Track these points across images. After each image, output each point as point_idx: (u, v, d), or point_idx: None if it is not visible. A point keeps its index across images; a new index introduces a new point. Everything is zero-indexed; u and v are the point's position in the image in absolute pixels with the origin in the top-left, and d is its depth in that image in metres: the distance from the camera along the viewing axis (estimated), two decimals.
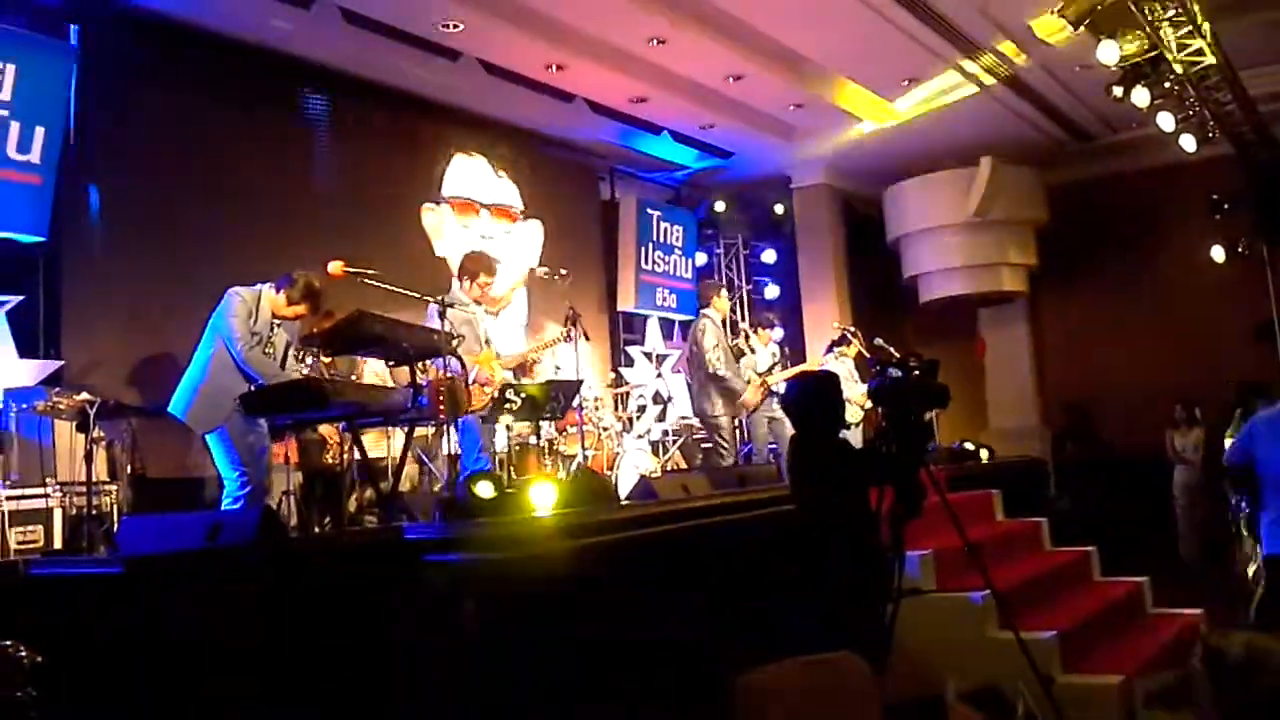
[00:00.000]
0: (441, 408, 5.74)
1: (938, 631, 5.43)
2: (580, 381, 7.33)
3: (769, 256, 13.11)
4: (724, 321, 8.48)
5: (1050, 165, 12.59)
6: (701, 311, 8.62)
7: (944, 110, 10.72)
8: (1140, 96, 8.57)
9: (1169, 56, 8.13)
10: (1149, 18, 7.66)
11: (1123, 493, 10.59)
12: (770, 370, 9.11)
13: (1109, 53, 7.82)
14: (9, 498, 5.62)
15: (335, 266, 5.67)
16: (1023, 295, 13.10)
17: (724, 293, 8.98)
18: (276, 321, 5.68)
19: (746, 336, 9.28)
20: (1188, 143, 9.68)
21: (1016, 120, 11.35)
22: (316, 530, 6.32)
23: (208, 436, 5.52)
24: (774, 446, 8.81)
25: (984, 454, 9.40)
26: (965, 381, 12.98)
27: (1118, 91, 8.48)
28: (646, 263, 11.77)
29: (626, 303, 11.68)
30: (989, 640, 5.52)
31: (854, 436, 9.48)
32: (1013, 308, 13.54)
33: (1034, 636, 5.28)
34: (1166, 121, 9.20)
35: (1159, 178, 11.97)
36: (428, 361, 5.78)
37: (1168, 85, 8.72)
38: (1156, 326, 12.13)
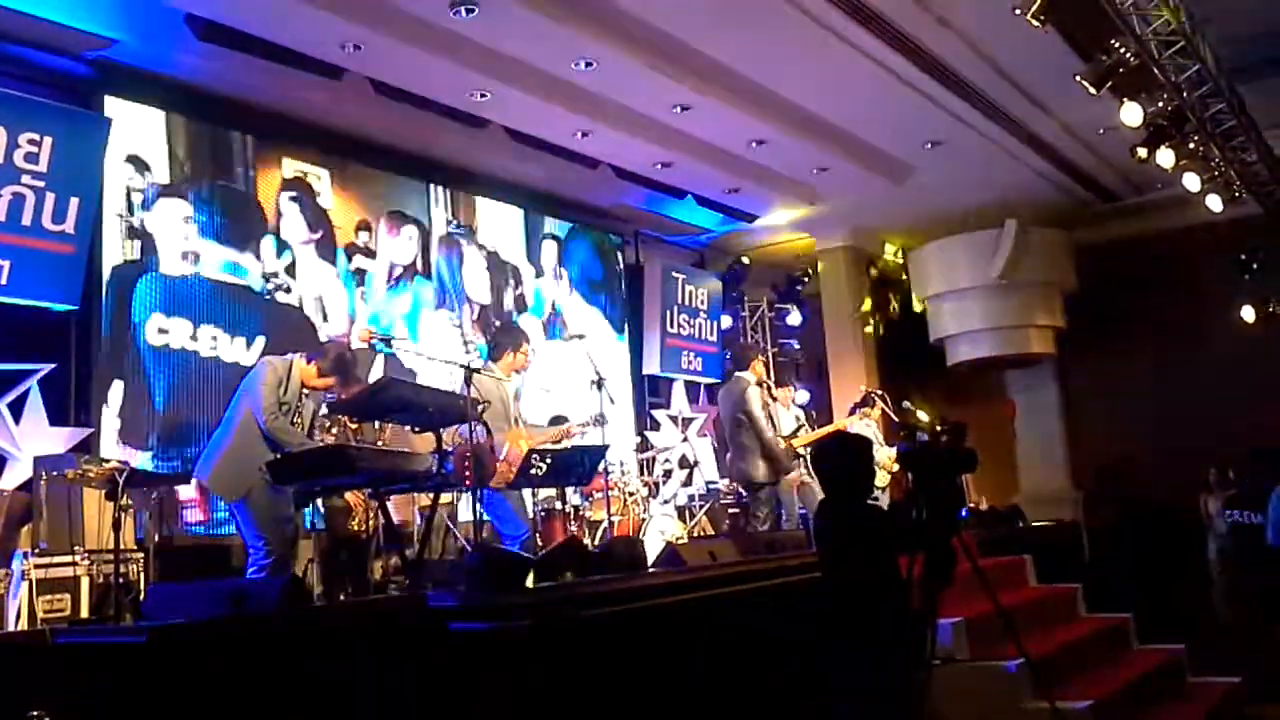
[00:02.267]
0: (468, 474, 5.73)
1: (971, 701, 5.34)
2: (606, 447, 7.29)
3: (794, 319, 13.11)
4: (759, 384, 8.33)
5: (1077, 226, 12.57)
6: (738, 375, 8.42)
7: (969, 173, 10.74)
8: (1165, 158, 8.55)
9: (1192, 117, 8.14)
10: (1172, 80, 7.67)
11: (1158, 556, 10.41)
12: (795, 433, 9.04)
13: (1132, 115, 7.82)
14: (37, 566, 5.63)
15: (363, 333, 5.72)
16: (1051, 357, 13.00)
17: (760, 356, 8.79)
18: (306, 391, 5.72)
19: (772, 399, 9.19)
20: (1214, 203, 9.64)
21: (1041, 181, 11.36)
22: (341, 598, 6.29)
23: (232, 504, 5.54)
24: (803, 512, 8.71)
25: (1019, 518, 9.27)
26: (995, 444, 12.86)
27: (1142, 153, 8.46)
28: (672, 326, 11.79)
29: (652, 366, 11.68)
30: (1023, 710, 5.42)
31: (880, 501, 9.39)
32: (1042, 369, 13.43)
33: (1068, 706, 5.19)
34: (1192, 182, 9.17)
35: (1187, 238, 11.88)
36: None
37: (1193, 146, 8.71)
38: (1188, 387, 11.97)
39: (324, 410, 6.20)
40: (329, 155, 8.87)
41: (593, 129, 9.04)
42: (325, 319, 8.41)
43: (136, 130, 7.59)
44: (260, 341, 7.82)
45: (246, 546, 5.61)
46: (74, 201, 6.85)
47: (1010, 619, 4.89)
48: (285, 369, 5.66)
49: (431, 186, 9.78)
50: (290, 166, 8.58)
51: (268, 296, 8.12)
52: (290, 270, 8.36)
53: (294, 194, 8.54)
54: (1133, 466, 11.97)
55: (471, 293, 9.93)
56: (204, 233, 7.85)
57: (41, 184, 6.70)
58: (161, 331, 7.50)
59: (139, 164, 7.58)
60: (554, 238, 11.10)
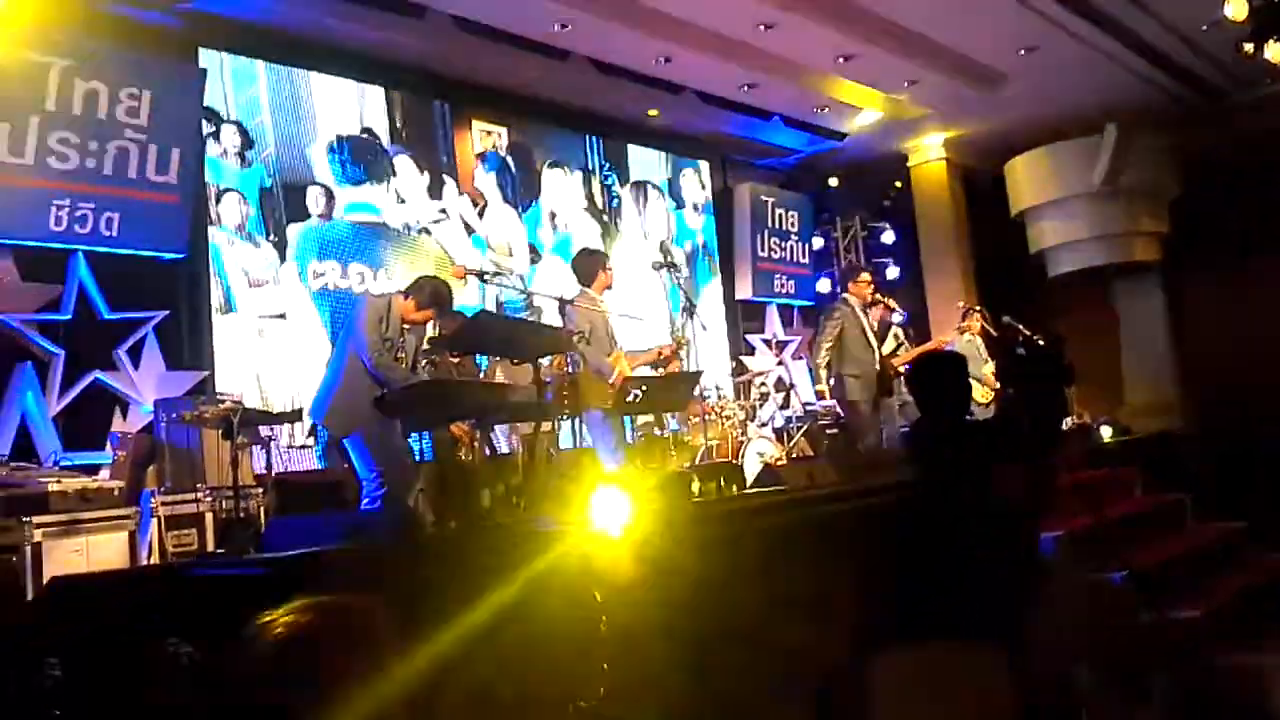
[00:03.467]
0: (566, 403, 5.84)
1: (1077, 615, 5.31)
2: (700, 372, 7.35)
3: (888, 237, 12.89)
4: (864, 306, 8.23)
5: (1181, 127, 12.06)
6: (842, 297, 8.34)
7: (1065, 78, 10.38)
8: (1274, 51, 8.16)
9: None
10: None
11: (1270, 465, 10.12)
12: (894, 353, 8.98)
13: (1237, 8, 7.47)
14: (164, 503, 5.92)
15: (458, 270, 5.82)
16: (1157, 264, 12.61)
17: (864, 276, 8.44)
18: (407, 326, 5.86)
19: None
20: None
21: (1141, 84, 10.91)
22: (452, 525, 6.48)
23: (345, 440, 5.73)
24: (906, 429, 8.65)
25: (1106, 431, 9.11)
26: (1100, 357, 12.56)
27: (1249, 48, 8.08)
28: (763, 250, 11.72)
29: (744, 292, 11.66)
30: (1129, 623, 5.37)
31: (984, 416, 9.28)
32: (1147, 279, 13.01)
33: (1178, 616, 5.14)
34: None
35: None
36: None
37: None
38: None
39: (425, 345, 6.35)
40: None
41: (675, 53, 8.95)
42: (510, 254, 9.28)
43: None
44: None
45: (360, 480, 5.80)
46: (175, 153, 7.05)
47: (1116, 530, 4.85)
48: (385, 306, 5.80)
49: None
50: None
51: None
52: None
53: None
54: (1245, 376, 11.59)
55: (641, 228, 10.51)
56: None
57: (144, 137, 6.91)
58: None
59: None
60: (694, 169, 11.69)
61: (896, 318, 9.69)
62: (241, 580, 3.87)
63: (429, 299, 5.84)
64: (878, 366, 8.06)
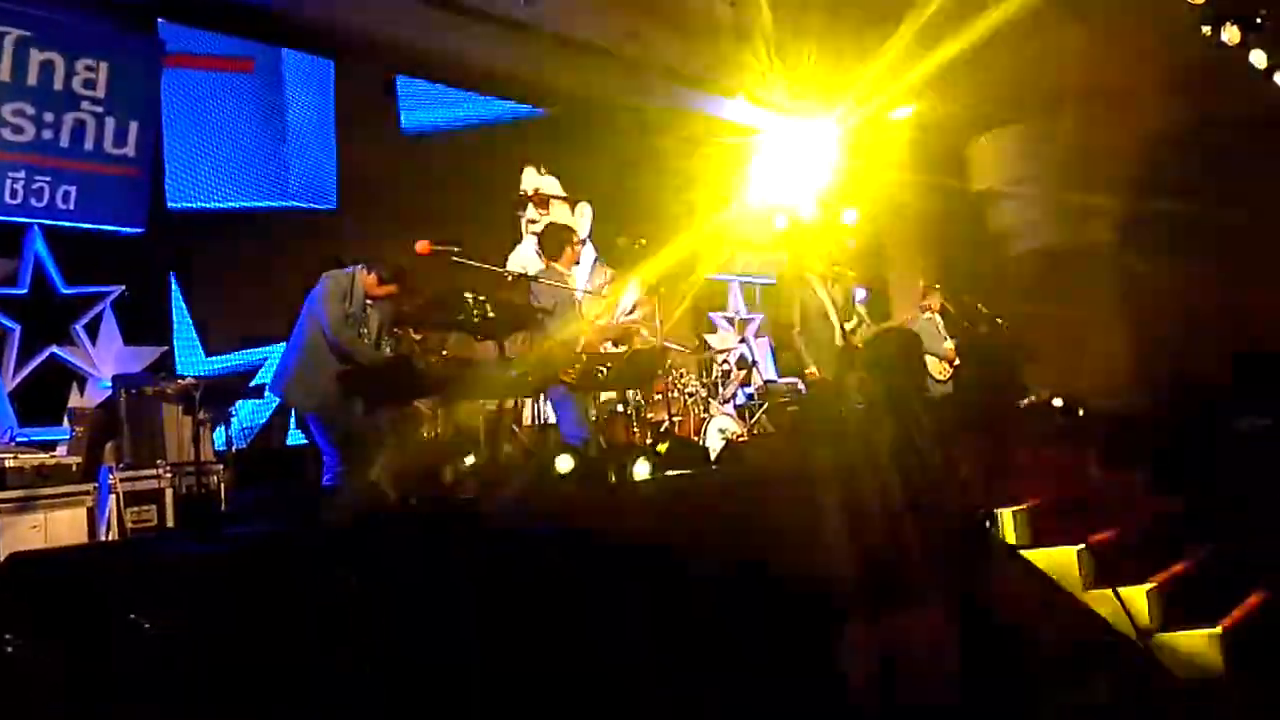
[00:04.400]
0: (530, 379, 5.85)
1: (1033, 588, 5.40)
2: (665, 349, 7.37)
3: (849, 216, 12.93)
4: (824, 282, 8.28)
5: (1137, 110, 12.16)
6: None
7: (1024, 56, 10.42)
8: (1230, 34, 8.27)
9: None
10: None
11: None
12: (854, 330, 9.03)
13: None
14: (123, 479, 5.87)
15: (422, 245, 5.79)
16: (1113, 243, 12.74)
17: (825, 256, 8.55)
18: (370, 301, 5.84)
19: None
20: None
21: (1101, 64, 10.99)
22: (412, 502, 6.48)
23: (307, 415, 5.71)
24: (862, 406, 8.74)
25: (1066, 404, 9.23)
26: (1057, 335, 12.69)
27: (1206, 31, 8.19)
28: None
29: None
30: (1085, 596, 5.48)
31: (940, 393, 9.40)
32: (1104, 257, 13.14)
33: (1131, 590, 5.24)
34: (1259, 59, 8.87)
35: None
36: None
37: (1260, 21, 8.40)
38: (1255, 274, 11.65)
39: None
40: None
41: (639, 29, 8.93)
42: None
43: None
44: None
45: (322, 455, 5.79)
46: (133, 125, 6.96)
47: (1071, 506, 4.93)
48: (348, 281, 5.77)
49: None
50: None
51: None
52: None
53: None
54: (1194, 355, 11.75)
55: None
56: None
57: (101, 109, 6.81)
58: None
59: None
60: None
61: (858, 294, 9.75)
62: (200, 557, 3.87)
63: (392, 274, 5.82)
64: (840, 342, 8.13)
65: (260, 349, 7.65)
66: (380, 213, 8.22)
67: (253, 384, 7.30)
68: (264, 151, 8.10)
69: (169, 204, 7.42)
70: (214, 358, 7.45)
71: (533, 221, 9.83)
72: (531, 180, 10.02)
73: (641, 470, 5.05)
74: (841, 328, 8.27)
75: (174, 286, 7.37)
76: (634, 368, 6.87)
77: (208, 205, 7.68)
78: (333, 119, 8.54)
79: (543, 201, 9.96)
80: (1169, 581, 5.79)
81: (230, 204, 7.81)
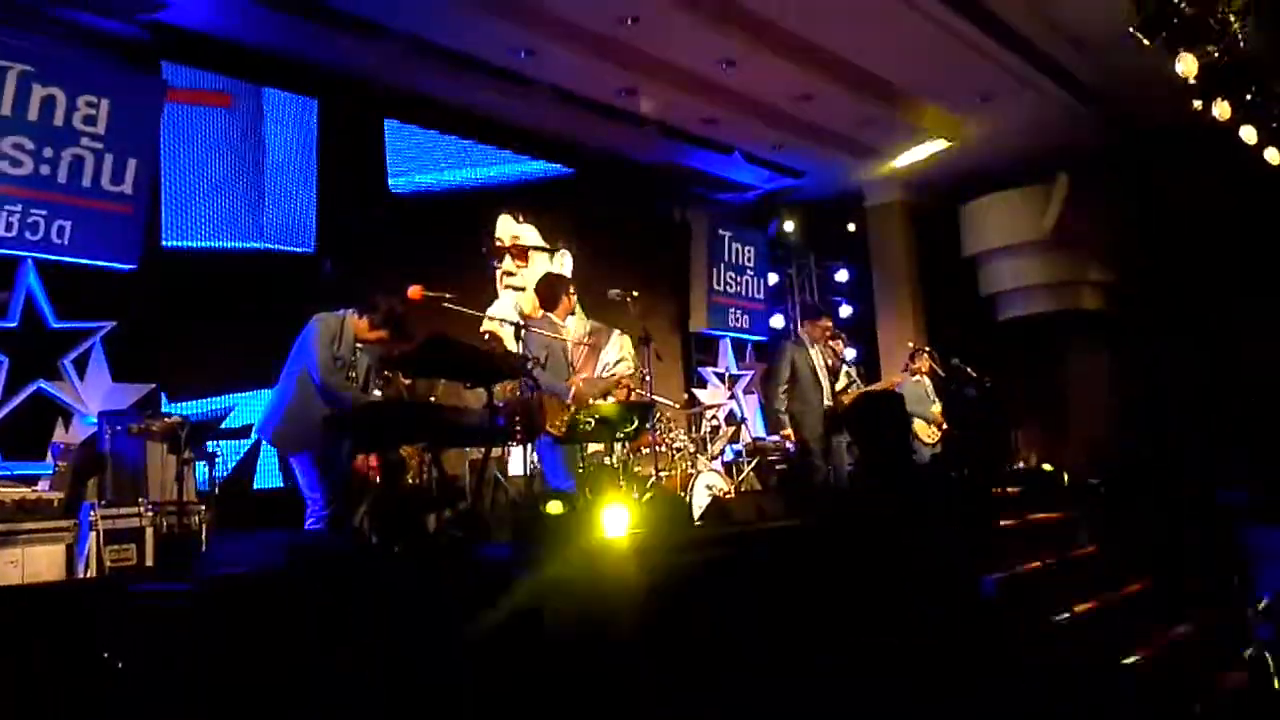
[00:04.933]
0: (518, 429, 5.84)
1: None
2: (653, 403, 7.37)
3: (842, 275, 13.06)
4: (815, 344, 8.44)
5: (1132, 181, 12.33)
6: (796, 334, 8.58)
7: (1019, 126, 10.60)
8: (1221, 109, 8.38)
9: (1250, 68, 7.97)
10: (1230, 27, 7.52)
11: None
12: (845, 389, 9.07)
13: (1187, 66, 7.67)
14: (104, 516, 5.81)
15: (415, 290, 5.80)
16: (1104, 313, 12.84)
17: (825, 321, 8.73)
18: (360, 345, 5.82)
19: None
20: (1272, 155, 9.43)
21: (1094, 135, 11.18)
22: (395, 549, 6.44)
23: (291, 458, 5.68)
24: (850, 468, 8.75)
25: (1063, 475, 9.23)
26: (1045, 401, 12.76)
27: (1197, 105, 8.30)
28: (718, 284, 11.80)
29: (698, 324, 11.71)
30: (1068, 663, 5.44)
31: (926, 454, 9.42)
32: (1094, 326, 13.24)
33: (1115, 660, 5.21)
34: (1249, 135, 8.99)
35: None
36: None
37: (1249, 98, 8.52)
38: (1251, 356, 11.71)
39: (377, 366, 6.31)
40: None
41: (639, 86, 9.03)
42: None
43: None
44: None
45: (305, 499, 5.75)
46: (132, 162, 6.99)
47: (1057, 573, 4.92)
48: (338, 324, 5.76)
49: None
50: None
51: None
52: None
53: None
54: (1181, 430, 11.78)
55: None
56: None
57: (100, 145, 6.84)
58: None
59: None
60: None
61: (849, 354, 9.80)
62: (177, 596, 3.84)
63: (383, 319, 5.80)
64: (828, 403, 8.22)
65: (226, 395, 7.60)
66: (361, 258, 8.15)
67: (237, 425, 7.29)
68: (239, 190, 8.02)
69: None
70: (175, 404, 7.31)
71: (509, 274, 9.76)
72: (508, 228, 9.90)
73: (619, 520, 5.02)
74: (831, 388, 8.35)
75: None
76: (621, 420, 6.85)
77: (183, 244, 7.64)
78: (314, 158, 8.45)
79: (520, 253, 9.91)
80: (1152, 653, 5.77)
81: (205, 244, 7.76)
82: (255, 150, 8.14)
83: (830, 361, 8.48)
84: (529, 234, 10.14)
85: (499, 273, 9.69)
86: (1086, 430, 13.23)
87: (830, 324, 8.69)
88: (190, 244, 7.65)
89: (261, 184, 8.14)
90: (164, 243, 7.44)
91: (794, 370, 8.32)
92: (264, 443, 7.27)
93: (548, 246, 10.09)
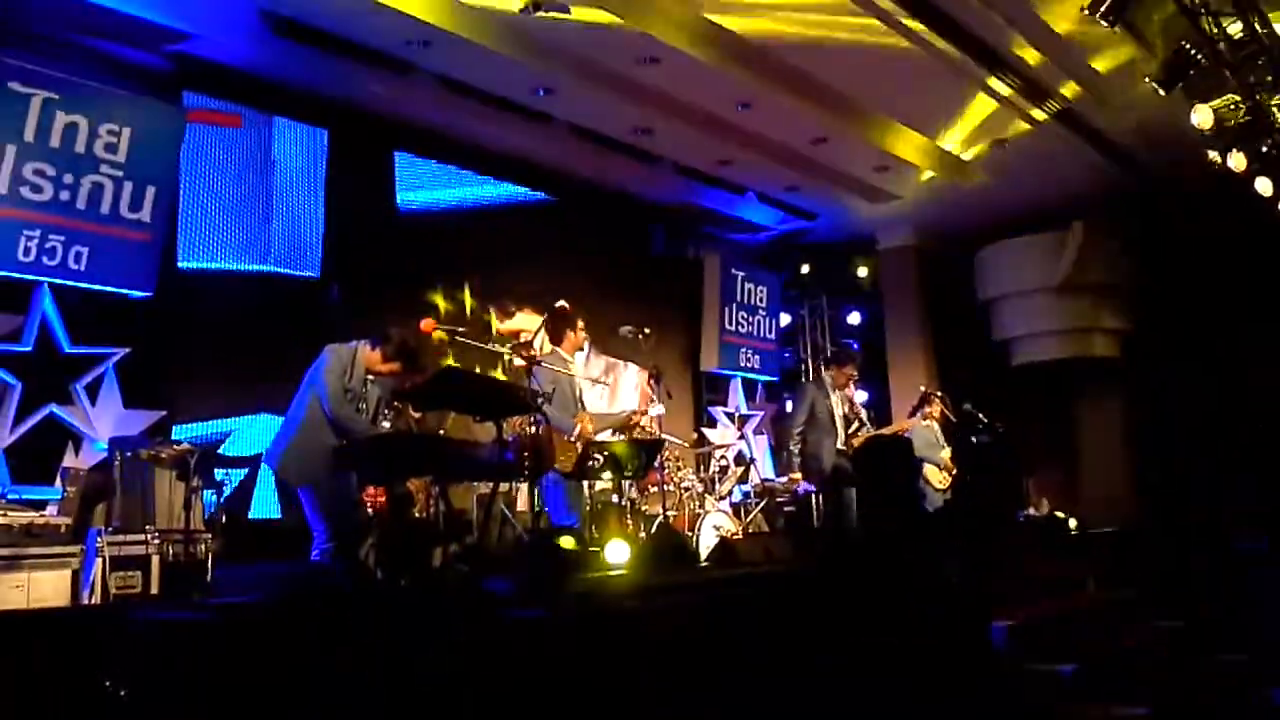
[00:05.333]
0: (527, 464, 5.83)
1: (1025, 704, 5.30)
2: (662, 441, 7.36)
3: (854, 318, 13.06)
4: (835, 388, 8.43)
5: (1146, 228, 12.33)
6: (818, 376, 8.56)
7: (1034, 172, 10.63)
8: (1237, 161, 8.39)
9: (1270, 119, 7.99)
10: (1244, 82, 7.55)
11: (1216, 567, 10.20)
12: (856, 432, 9.05)
13: (1203, 118, 7.70)
14: (111, 543, 5.80)
15: (428, 323, 5.82)
16: (1117, 361, 12.80)
17: (851, 368, 8.65)
18: (371, 377, 5.83)
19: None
20: None
21: (1109, 182, 11.18)
22: (401, 583, 6.41)
23: (298, 489, 5.68)
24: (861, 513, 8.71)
25: (1073, 523, 9.17)
26: (1057, 448, 12.71)
27: (1213, 156, 8.32)
28: (730, 323, 11.81)
29: (709, 363, 11.71)
30: (1078, 717, 5.37)
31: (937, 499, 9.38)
32: (1107, 373, 13.20)
33: (1125, 713, 5.14)
34: (1265, 186, 8.99)
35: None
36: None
37: (1265, 149, 8.53)
38: (1262, 398, 11.67)
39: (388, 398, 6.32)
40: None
41: (654, 125, 9.09)
42: None
43: None
44: None
45: (311, 530, 5.74)
46: (150, 190, 7.04)
47: (1067, 621, 4.86)
48: (350, 356, 5.78)
49: None
50: None
51: None
52: None
53: None
54: (1201, 475, 11.71)
55: None
56: None
57: (120, 173, 6.90)
58: None
59: None
60: None
61: (860, 396, 9.78)
62: (184, 625, 3.82)
63: (396, 351, 5.82)
64: (841, 446, 8.19)
65: (226, 419, 7.61)
66: (366, 284, 8.18)
67: (236, 448, 7.29)
68: (246, 211, 8.06)
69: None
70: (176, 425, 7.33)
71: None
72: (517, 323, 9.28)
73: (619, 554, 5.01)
74: (845, 435, 8.31)
75: None
76: (629, 458, 6.84)
77: (196, 265, 7.71)
78: (323, 183, 8.49)
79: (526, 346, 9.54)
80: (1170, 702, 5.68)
81: (214, 265, 7.82)
82: (264, 172, 8.21)
83: (846, 410, 8.48)
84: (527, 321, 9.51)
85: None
86: (1099, 476, 13.16)
87: (855, 373, 8.66)
88: (203, 265, 7.70)
89: (269, 206, 8.20)
90: (179, 264, 7.48)
91: (812, 412, 8.31)
92: (260, 472, 7.27)
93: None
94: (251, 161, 8.13)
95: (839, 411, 8.36)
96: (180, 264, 7.54)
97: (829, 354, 11.18)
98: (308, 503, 5.73)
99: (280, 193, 8.25)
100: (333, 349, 5.79)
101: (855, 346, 12.66)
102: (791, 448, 8.38)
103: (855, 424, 9.04)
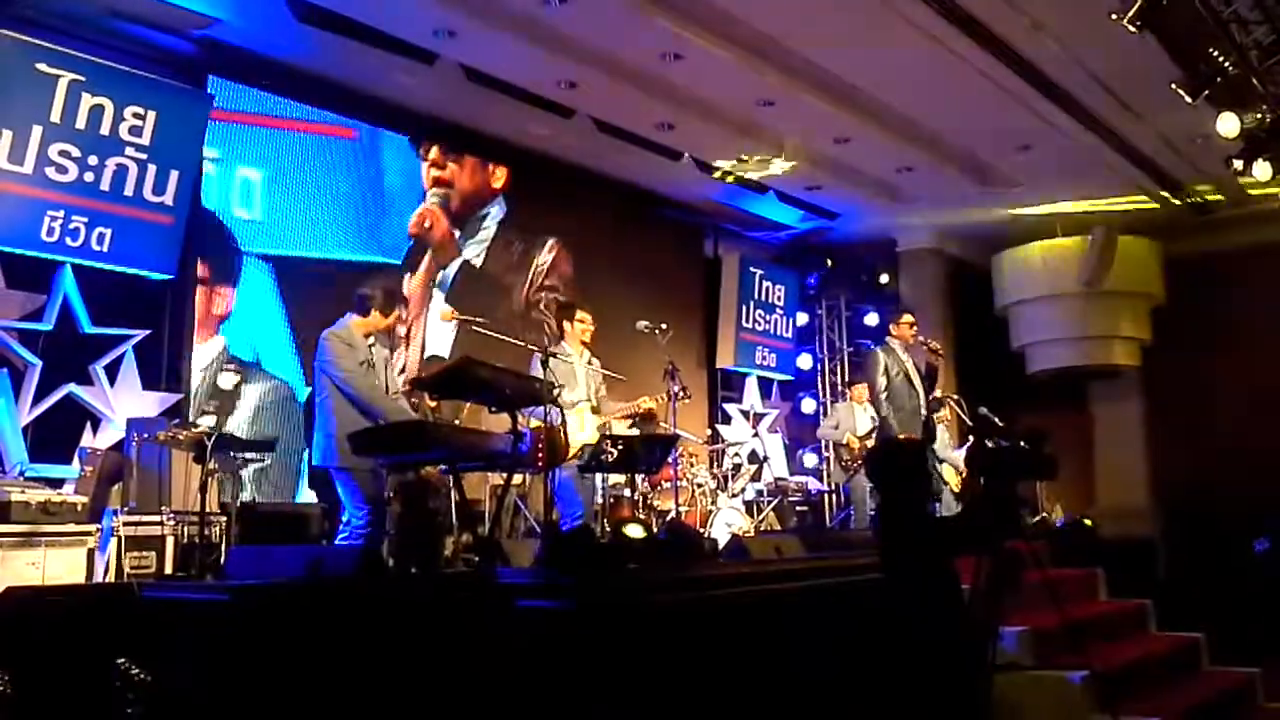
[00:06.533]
0: (541, 456, 5.84)
1: (1033, 712, 5.30)
2: (676, 436, 7.36)
3: (871, 319, 13.01)
4: (906, 348, 8.02)
5: (1167, 236, 12.27)
6: (884, 340, 8.18)
7: (1057, 178, 10.58)
8: (1262, 170, 8.33)
9: None
10: (1271, 91, 7.49)
11: (1235, 577, 10.16)
12: (869, 434, 9.04)
13: (1229, 126, 7.64)
14: (126, 523, 5.85)
15: (446, 313, 5.84)
16: (1135, 369, 12.73)
17: (906, 317, 8.27)
18: (371, 341, 5.91)
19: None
20: None
21: (1131, 189, 11.12)
22: (412, 571, 6.43)
23: (338, 474, 5.72)
24: (875, 513, 8.68)
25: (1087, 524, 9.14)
26: (1074, 456, 12.65)
27: (1238, 165, 8.25)
28: (747, 321, 11.80)
29: (725, 360, 11.70)
30: None
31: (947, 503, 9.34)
32: (1125, 382, 13.13)
33: None
34: None
35: None
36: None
37: None
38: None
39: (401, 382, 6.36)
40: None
41: (677, 121, 9.08)
42: None
43: None
44: None
45: (344, 514, 5.79)
46: (174, 174, 7.07)
47: (1077, 629, 4.85)
48: (346, 333, 5.85)
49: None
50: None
51: None
52: None
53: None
54: (1217, 486, 11.66)
55: None
56: None
57: (144, 156, 6.93)
58: None
59: None
60: None
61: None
62: (199, 605, 3.84)
63: (384, 299, 5.93)
64: (923, 411, 8.00)
65: None
66: None
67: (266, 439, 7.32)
68: (358, 210, 8.56)
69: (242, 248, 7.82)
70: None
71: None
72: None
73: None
74: (926, 393, 8.06)
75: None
76: (643, 453, 6.83)
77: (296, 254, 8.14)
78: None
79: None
80: (1175, 714, 5.67)
81: (323, 254, 8.28)
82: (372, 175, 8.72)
83: (923, 365, 8.11)
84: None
85: None
86: (1116, 484, 13.11)
87: (913, 322, 8.22)
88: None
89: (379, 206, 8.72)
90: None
91: (886, 374, 7.90)
92: (274, 456, 7.30)
93: None
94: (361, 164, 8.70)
95: (912, 368, 7.97)
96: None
97: (884, 322, 10.55)
98: (345, 488, 5.76)
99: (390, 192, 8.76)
100: (327, 335, 5.85)
101: (870, 346, 12.69)
102: (884, 414, 7.90)
103: (871, 425, 9.00)
